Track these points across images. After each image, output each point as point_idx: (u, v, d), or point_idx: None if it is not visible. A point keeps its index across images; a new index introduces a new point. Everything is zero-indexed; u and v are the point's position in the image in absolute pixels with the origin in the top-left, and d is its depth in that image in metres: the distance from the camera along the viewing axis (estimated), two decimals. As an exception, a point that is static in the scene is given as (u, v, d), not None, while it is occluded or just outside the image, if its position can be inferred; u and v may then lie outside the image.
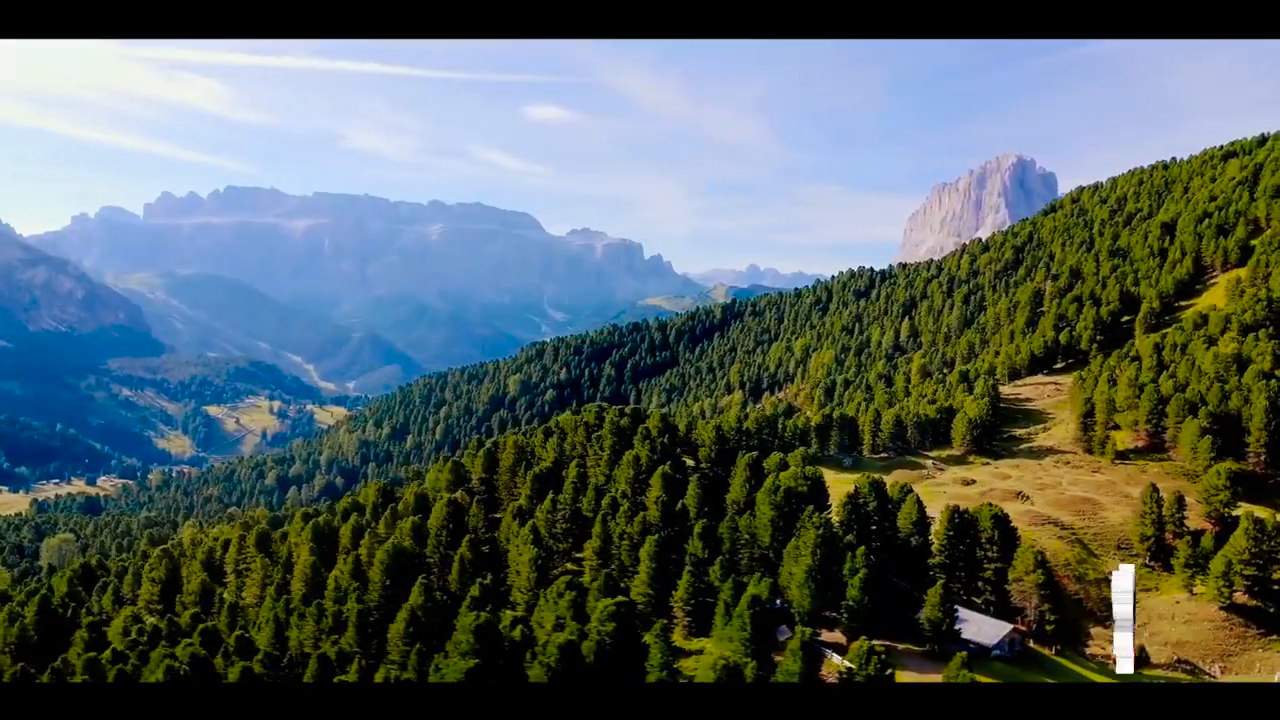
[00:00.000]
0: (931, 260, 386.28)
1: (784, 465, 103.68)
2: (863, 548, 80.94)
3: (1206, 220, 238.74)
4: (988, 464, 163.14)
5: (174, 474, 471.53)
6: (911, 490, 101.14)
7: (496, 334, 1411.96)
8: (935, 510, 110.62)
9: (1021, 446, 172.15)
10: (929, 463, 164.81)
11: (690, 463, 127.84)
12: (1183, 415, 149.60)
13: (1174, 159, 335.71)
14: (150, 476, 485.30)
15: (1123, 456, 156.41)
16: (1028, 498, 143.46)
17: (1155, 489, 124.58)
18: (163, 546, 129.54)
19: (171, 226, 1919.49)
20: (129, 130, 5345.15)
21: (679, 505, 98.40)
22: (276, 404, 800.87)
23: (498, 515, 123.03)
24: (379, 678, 64.70)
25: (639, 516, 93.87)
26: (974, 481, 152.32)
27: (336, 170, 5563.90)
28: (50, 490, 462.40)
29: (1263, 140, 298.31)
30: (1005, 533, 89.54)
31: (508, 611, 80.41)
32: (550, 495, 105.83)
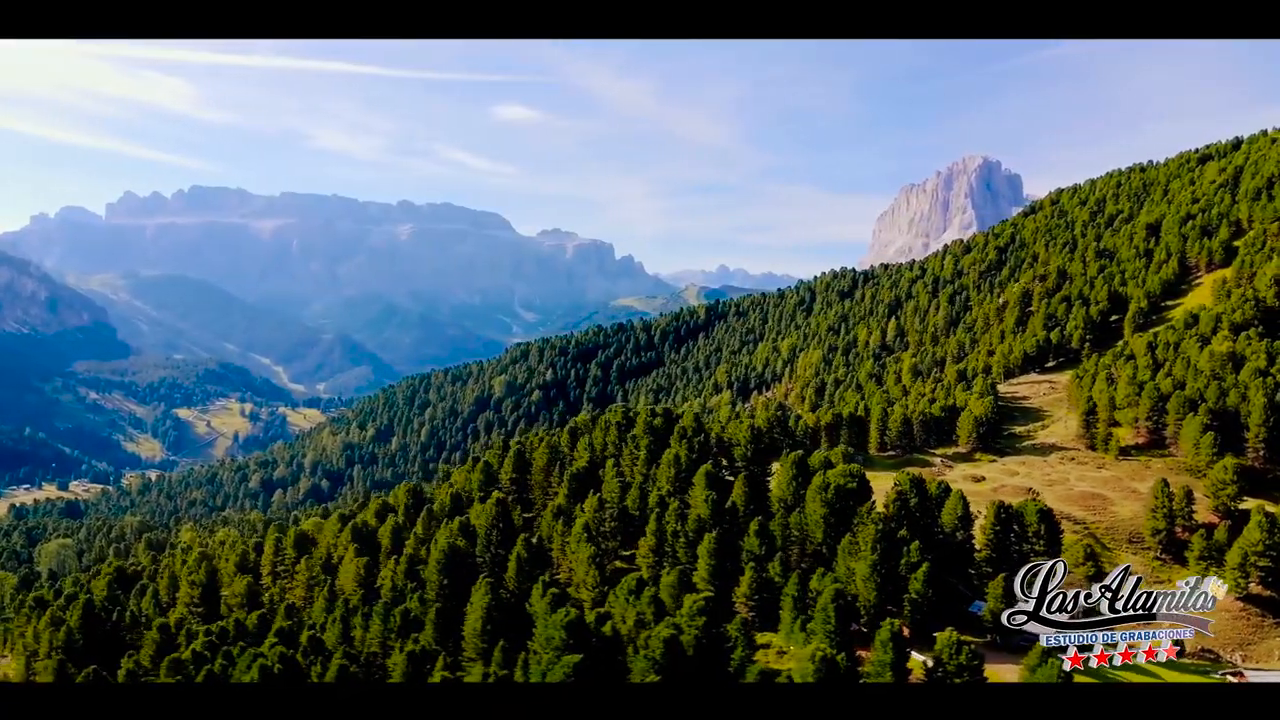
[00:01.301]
0: (914, 260, 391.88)
1: (828, 464, 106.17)
2: (916, 542, 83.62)
3: (1190, 222, 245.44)
4: (994, 461, 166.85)
5: (153, 478, 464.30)
6: (950, 487, 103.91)
7: (467, 334, 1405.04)
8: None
9: (1024, 444, 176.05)
10: (937, 460, 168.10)
11: (724, 462, 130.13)
12: (1183, 412, 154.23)
13: (1150, 162, 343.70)
14: (127, 480, 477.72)
15: (1125, 453, 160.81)
16: (1037, 494, 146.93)
17: (1166, 484, 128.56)
18: (201, 549, 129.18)
19: (134, 227, 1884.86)
20: (90, 129, 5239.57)
21: (728, 503, 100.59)
22: (248, 406, 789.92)
23: (529, 515, 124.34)
24: (475, 676, 66.03)
25: (691, 514, 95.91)
26: (983, 478, 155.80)
27: (304, 170, 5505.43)
28: (22, 495, 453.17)
29: (1237, 144, 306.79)
30: (1050, 527, 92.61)
31: (571, 609, 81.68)
32: (595, 494, 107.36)
